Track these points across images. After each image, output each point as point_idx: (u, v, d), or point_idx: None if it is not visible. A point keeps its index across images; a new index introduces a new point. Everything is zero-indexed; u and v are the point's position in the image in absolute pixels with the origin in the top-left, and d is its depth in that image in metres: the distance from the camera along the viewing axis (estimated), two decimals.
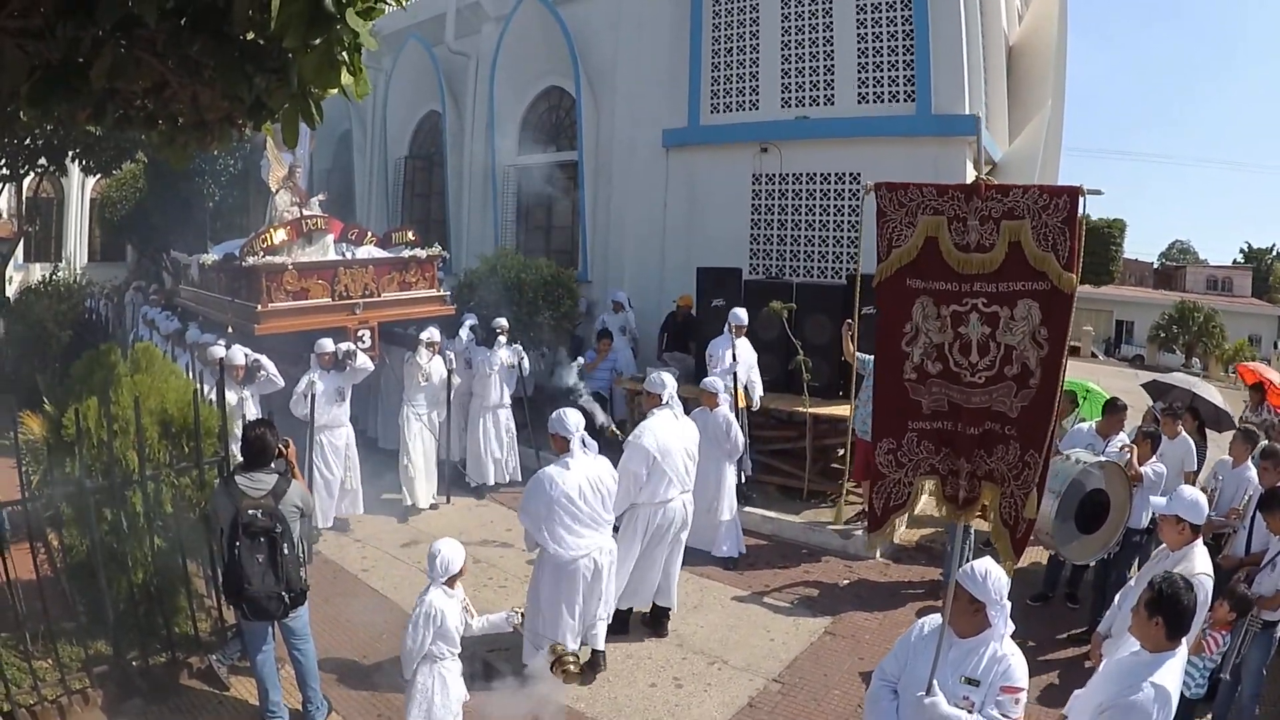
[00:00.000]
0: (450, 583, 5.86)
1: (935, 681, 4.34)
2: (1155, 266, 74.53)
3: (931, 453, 4.55)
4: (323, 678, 7.34)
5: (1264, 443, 8.85)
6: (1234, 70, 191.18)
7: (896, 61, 14.22)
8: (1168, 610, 4.39)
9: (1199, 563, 5.78)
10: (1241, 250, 75.93)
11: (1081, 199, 4.05)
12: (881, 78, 14.40)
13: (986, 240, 4.21)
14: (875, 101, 14.49)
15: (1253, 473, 8.57)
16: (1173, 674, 4.41)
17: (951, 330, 4.35)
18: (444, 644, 5.81)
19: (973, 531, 4.80)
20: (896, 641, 4.82)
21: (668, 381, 8.48)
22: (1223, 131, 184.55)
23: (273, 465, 6.46)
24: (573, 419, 7.20)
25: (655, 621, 8.56)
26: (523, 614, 6.72)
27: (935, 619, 4.59)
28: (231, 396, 9.32)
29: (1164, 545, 6.10)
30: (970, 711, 4.27)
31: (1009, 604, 4.41)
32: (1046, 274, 4.10)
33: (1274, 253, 74.54)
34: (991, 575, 4.32)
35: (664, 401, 8.43)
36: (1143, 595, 4.55)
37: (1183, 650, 4.54)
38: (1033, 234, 4.11)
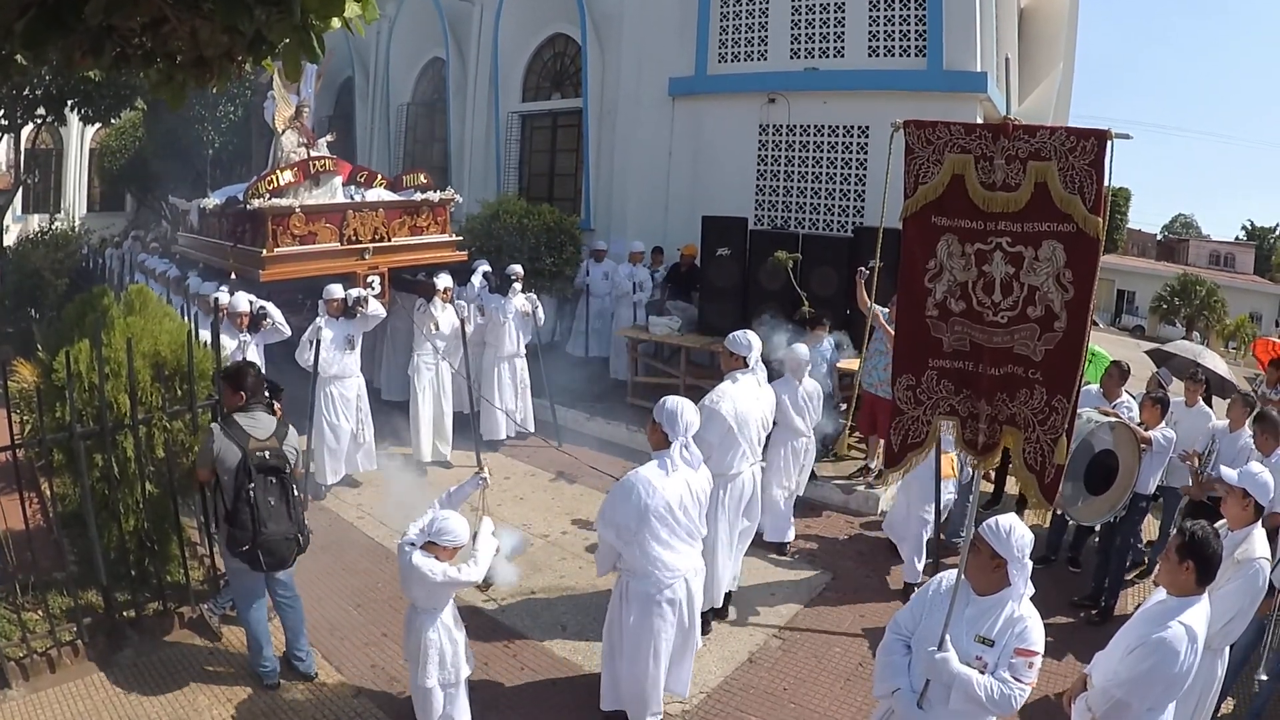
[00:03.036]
0: (437, 551, 5.63)
1: (948, 637, 4.31)
2: (1158, 238, 74.33)
3: (951, 392, 4.49)
4: (317, 627, 7.34)
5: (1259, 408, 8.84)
6: (1245, 46, 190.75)
7: (908, 16, 14.07)
8: (1198, 555, 4.39)
9: (1258, 546, 5.66)
10: (1244, 228, 75.41)
11: (1110, 142, 3.95)
12: (893, 31, 14.24)
13: (1013, 180, 4.13)
14: (885, 55, 14.36)
15: (1249, 437, 8.54)
16: (1200, 618, 4.41)
17: (975, 268, 4.29)
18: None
19: (977, 494, 4.72)
20: (913, 594, 4.78)
21: (754, 342, 7.57)
22: (1232, 107, 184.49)
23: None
24: (687, 414, 5.95)
25: (719, 609, 7.92)
26: (489, 474, 6.37)
27: (954, 574, 4.53)
28: (232, 343, 9.22)
29: (1223, 521, 5.92)
30: (983, 672, 4.23)
31: (1030, 563, 4.36)
32: (1072, 216, 4.02)
33: (1277, 232, 74.11)
34: (1015, 531, 4.27)
35: (749, 365, 7.58)
36: (1173, 541, 4.54)
37: (1206, 600, 4.53)
38: (1059, 175, 4.02)
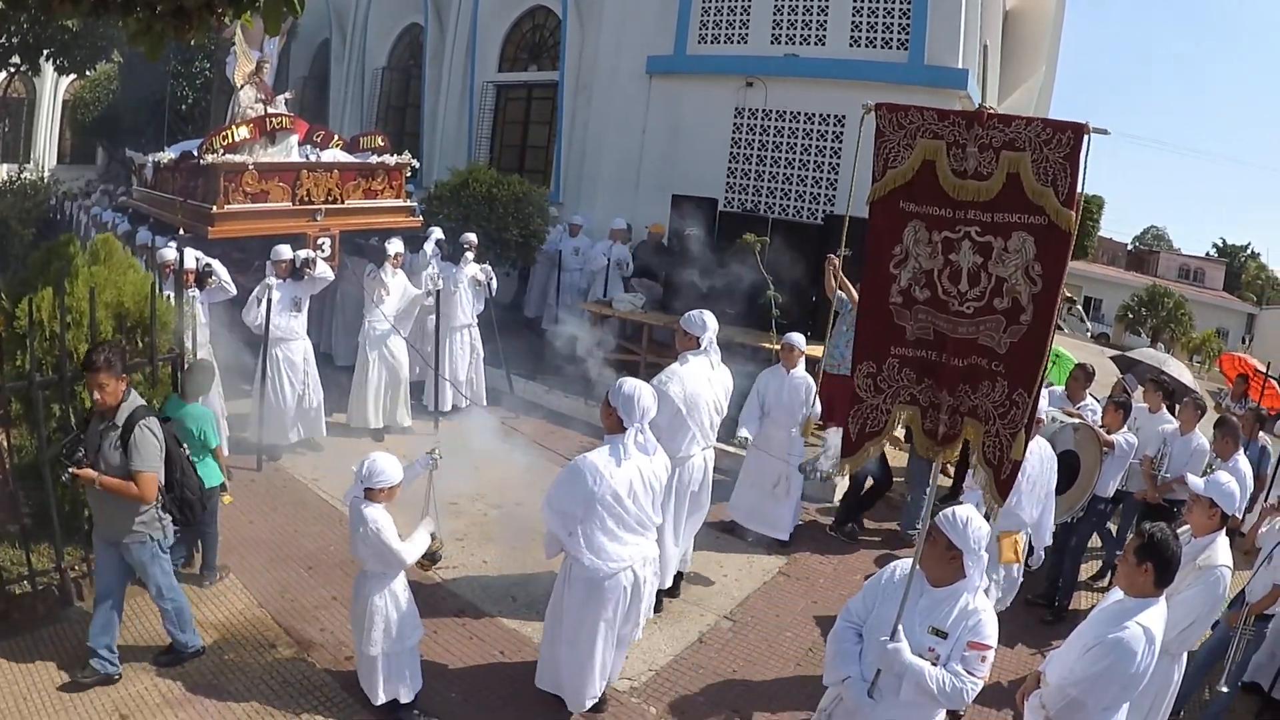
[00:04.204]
0: (375, 495, 5.60)
1: (901, 628, 4.27)
2: (1129, 248, 74.93)
3: (912, 381, 4.38)
4: (268, 589, 7.34)
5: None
6: (1226, 65, 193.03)
7: (893, 8, 14.17)
8: (1157, 556, 4.43)
9: (1221, 553, 5.72)
10: (1215, 245, 76.38)
11: (1086, 136, 3.81)
12: (876, 23, 14.34)
13: (985, 169, 3.99)
14: (867, 46, 14.47)
15: (1201, 440, 8.80)
16: (1157, 619, 4.44)
17: (942, 257, 4.16)
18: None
19: (934, 486, 4.66)
20: (866, 583, 4.73)
21: (709, 323, 7.46)
22: (1211, 124, 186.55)
23: None
24: (644, 400, 5.80)
25: (669, 589, 7.88)
26: (440, 455, 6.19)
27: (908, 564, 4.49)
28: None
29: (1187, 528, 6.00)
30: (935, 664, 4.20)
31: (986, 556, 4.37)
32: (1044, 209, 3.88)
33: (1249, 250, 74.94)
34: (972, 523, 4.28)
35: (701, 346, 7.46)
36: (1131, 543, 4.58)
37: (1163, 602, 4.55)
38: (1033, 167, 3.88)
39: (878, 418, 4.46)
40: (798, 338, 9.22)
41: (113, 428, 5.59)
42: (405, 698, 5.88)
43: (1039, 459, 6.98)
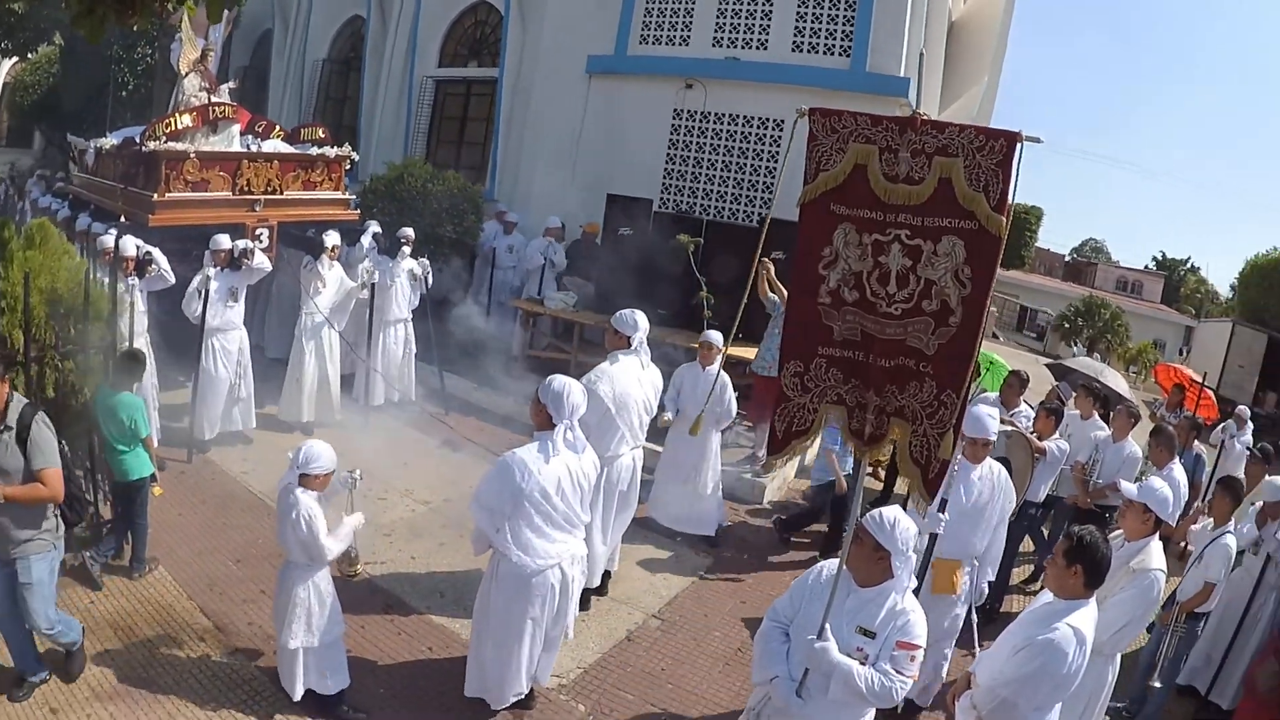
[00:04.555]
0: (307, 485, 5.61)
1: (828, 626, 4.28)
2: (1067, 260, 75.64)
3: (839, 381, 4.44)
4: (196, 582, 7.26)
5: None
6: (1170, 82, 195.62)
7: (836, 14, 14.24)
8: (1086, 559, 4.47)
9: (1155, 557, 5.76)
10: (1155, 258, 76.98)
11: (1019, 144, 3.90)
12: (819, 29, 14.39)
13: (916, 174, 4.07)
14: (810, 51, 14.51)
15: (1134, 448, 8.95)
16: (1088, 621, 4.48)
17: (871, 259, 4.22)
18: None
19: (861, 489, 4.71)
20: (793, 583, 4.74)
21: (641, 322, 7.48)
22: (1153, 141, 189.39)
23: None
24: (574, 397, 5.79)
25: (597, 588, 7.91)
26: (360, 475, 6.18)
27: (835, 564, 4.52)
28: (119, 288, 8.87)
29: (1119, 532, 6.06)
30: (863, 663, 4.22)
31: (914, 557, 4.41)
32: (975, 214, 3.97)
33: (1188, 264, 75.92)
34: (900, 524, 4.29)
35: (632, 346, 7.50)
36: (1060, 545, 4.62)
37: (1094, 604, 4.60)
38: (965, 173, 3.96)
39: (804, 416, 4.52)
40: (715, 335, 9.21)
41: (6, 429, 5.24)
42: (326, 691, 5.85)
43: (991, 485, 6.69)
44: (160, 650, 6.38)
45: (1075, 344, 43.59)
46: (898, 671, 4.18)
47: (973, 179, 3.95)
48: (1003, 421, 8.36)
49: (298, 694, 5.81)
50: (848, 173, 4.22)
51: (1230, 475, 8.45)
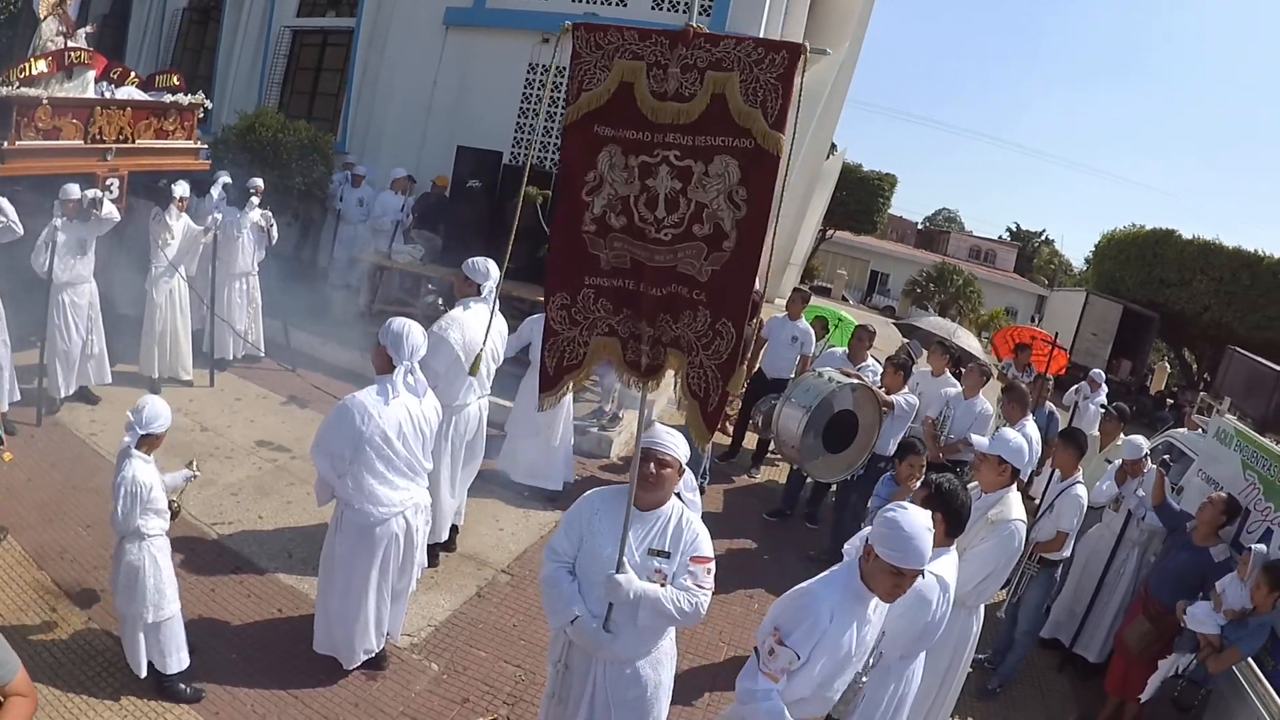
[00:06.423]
0: (147, 445, 5.42)
1: (625, 559, 4.19)
2: (919, 226, 76.72)
3: (610, 312, 4.23)
4: (48, 550, 7.00)
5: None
6: (1028, 55, 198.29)
7: None
8: (946, 506, 4.55)
9: (1014, 508, 5.77)
10: (1009, 229, 78.70)
11: (803, 58, 3.68)
12: None
13: (687, 90, 3.84)
14: (670, 10, 14.62)
15: (985, 405, 9.10)
16: (949, 568, 4.55)
17: (639, 182, 3.99)
18: (154, 518, 5.44)
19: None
20: (564, 517, 4.58)
21: (492, 270, 7.37)
22: (1011, 115, 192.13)
23: None
24: (414, 337, 5.73)
25: (445, 543, 7.85)
26: (198, 470, 6.11)
27: (604, 492, 4.45)
28: None
29: (976, 484, 6.02)
30: (664, 584, 4.18)
31: (691, 474, 4.47)
32: (751, 131, 3.75)
33: (1043, 236, 77.75)
34: (675, 435, 4.29)
35: (483, 293, 7.38)
36: (918, 494, 4.71)
37: (954, 552, 4.70)
38: (740, 87, 3.74)
39: (575, 350, 4.32)
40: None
41: None
42: (171, 669, 5.61)
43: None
44: (11, 621, 6.11)
45: (928, 308, 44.05)
46: (698, 586, 4.18)
47: (748, 94, 3.73)
48: (848, 375, 8.35)
49: (142, 670, 5.57)
50: (612, 91, 3.96)
51: (1074, 427, 8.46)
